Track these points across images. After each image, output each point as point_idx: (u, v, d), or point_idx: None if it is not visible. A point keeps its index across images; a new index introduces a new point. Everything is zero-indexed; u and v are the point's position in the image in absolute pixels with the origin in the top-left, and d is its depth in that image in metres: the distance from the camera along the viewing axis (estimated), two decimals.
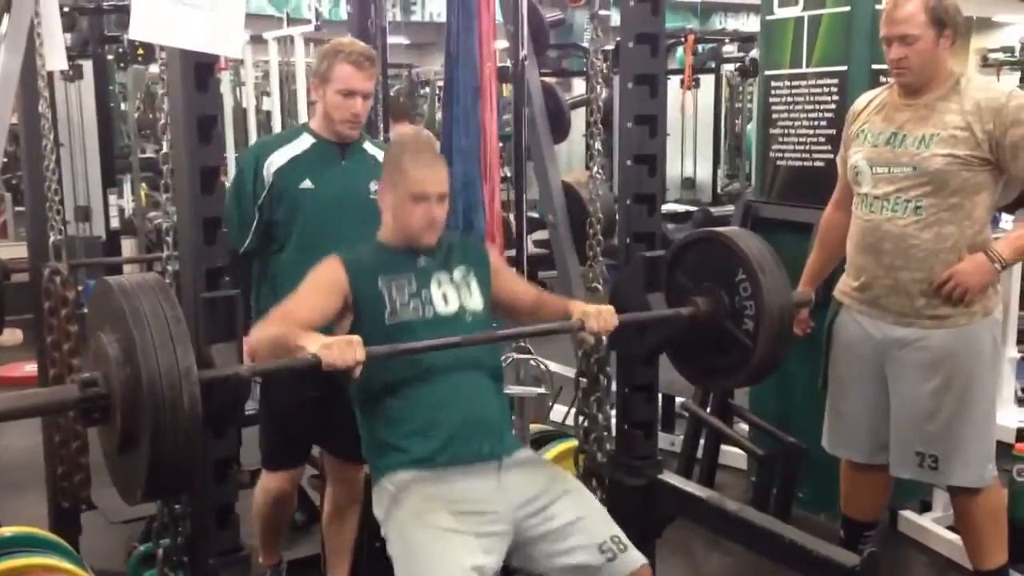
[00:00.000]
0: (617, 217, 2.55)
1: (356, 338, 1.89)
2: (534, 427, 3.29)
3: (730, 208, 5.51)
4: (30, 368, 4.49)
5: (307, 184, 2.51)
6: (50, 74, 2.90)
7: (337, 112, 2.51)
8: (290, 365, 1.90)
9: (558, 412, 4.02)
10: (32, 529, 2.48)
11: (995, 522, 2.70)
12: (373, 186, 2.47)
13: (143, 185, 7.45)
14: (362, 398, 2.13)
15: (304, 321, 1.97)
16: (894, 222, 2.56)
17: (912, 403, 2.61)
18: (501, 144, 3.74)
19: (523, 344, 3.25)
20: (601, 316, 2.19)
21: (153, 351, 1.54)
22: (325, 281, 2.10)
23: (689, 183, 9.17)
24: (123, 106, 8.69)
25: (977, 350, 2.59)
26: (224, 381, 1.78)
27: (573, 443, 2.75)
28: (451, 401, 2.08)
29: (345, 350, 1.84)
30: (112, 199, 6.43)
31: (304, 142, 2.56)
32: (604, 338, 2.37)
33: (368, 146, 2.66)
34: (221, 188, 1.94)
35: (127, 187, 7.47)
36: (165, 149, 1.95)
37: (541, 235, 6.64)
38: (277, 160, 2.51)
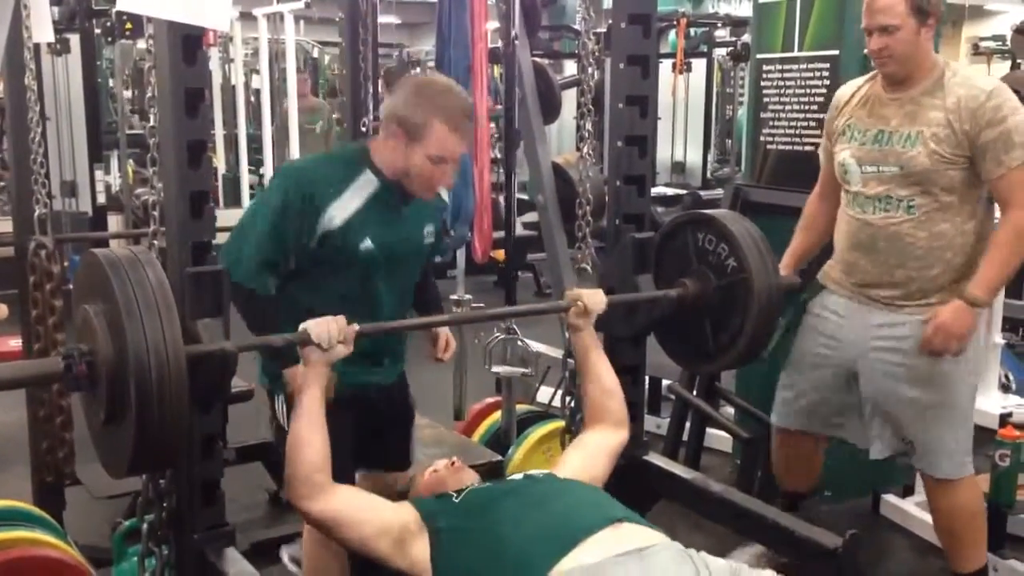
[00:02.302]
0: (607, 199, 2.55)
1: (340, 317, 1.90)
2: (520, 408, 3.31)
3: (720, 192, 5.52)
4: (15, 343, 4.46)
5: (367, 244, 2.14)
6: (37, 47, 2.88)
7: (422, 179, 2.13)
8: (280, 342, 1.91)
9: (545, 394, 4.02)
10: (16, 503, 2.47)
11: (971, 520, 2.66)
12: (428, 229, 2.29)
13: (130, 161, 7.41)
14: None
15: None
16: (887, 221, 2.54)
17: (890, 389, 2.61)
18: (492, 125, 3.74)
19: (510, 325, 3.26)
20: (591, 296, 2.21)
21: (140, 322, 1.53)
22: None
23: (679, 167, 9.20)
24: (111, 82, 8.64)
25: None
26: (210, 356, 1.77)
27: (559, 424, 2.76)
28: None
29: (331, 323, 1.87)
30: (99, 175, 6.41)
31: (367, 185, 2.15)
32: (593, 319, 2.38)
33: None
34: (208, 162, 1.92)
35: (114, 163, 7.43)
36: (152, 122, 1.93)
37: (531, 217, 6.63)
38: (339, 214, 2.11)
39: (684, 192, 5.80)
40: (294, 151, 7.34)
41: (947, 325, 2.47)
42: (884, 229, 2.55)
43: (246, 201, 8.28)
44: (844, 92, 2.72)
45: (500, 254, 5.00)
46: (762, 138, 3.59)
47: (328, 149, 7.84)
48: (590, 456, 2.17)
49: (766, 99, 3.56)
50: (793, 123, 3.47)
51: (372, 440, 2.31)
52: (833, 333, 2.70)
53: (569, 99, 6.21)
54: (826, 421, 2.79)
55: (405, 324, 2.24)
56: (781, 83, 3.51)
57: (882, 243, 2.56)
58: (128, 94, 8.22)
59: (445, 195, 2.35)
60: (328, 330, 1.87)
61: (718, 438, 3.93)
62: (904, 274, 2.55)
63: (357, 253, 2.14)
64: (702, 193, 6.31)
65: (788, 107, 3.48)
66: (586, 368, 2.28)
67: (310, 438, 1.88)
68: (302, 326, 1.88)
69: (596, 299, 2.23)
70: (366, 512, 1.89)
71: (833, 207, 2.75)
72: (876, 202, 2.56)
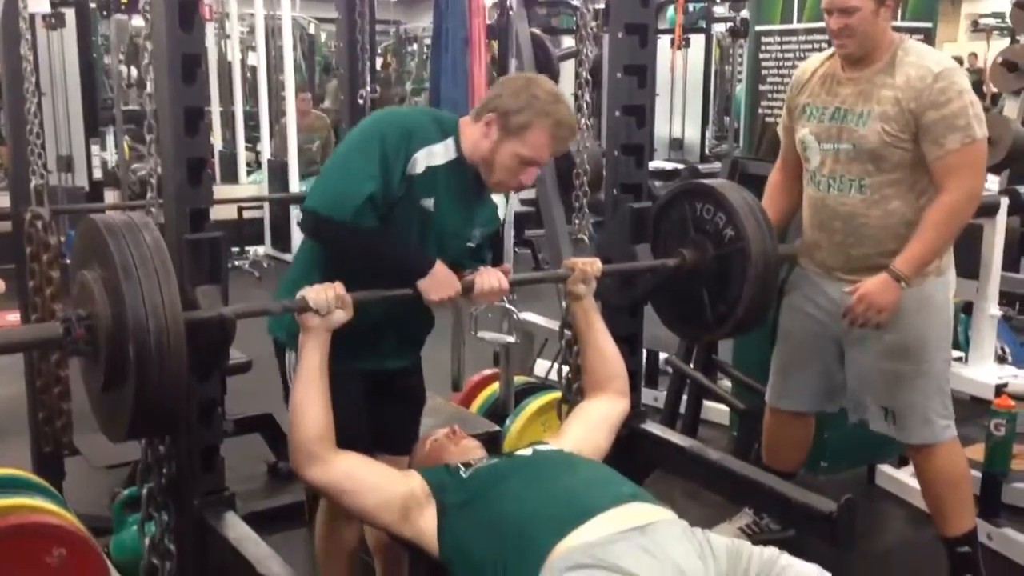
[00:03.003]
0: (604, 171, 2.55)
1: (337, 283, 1.90)
2: (518, 379, 3.32)
3: (718, 166, 5.51)
4: (13, 318, 4.46)
5: (428, 203, 2.07)
6: (32, 18, 2.87)
7: (503, 174, 2.08)
8: (278, 308, 1.93)
9: (542, 367, 4.03)
10: (16, 471, 2.48)
11: (954, 484, 2.66)
12: (477, 232, 2.22)
13: (126, 137, 7.40)
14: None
15: None
16: (841, 201, 2.55)
17: (869, 363, 2.62)
18: None
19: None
20: (588, 263, 2.22)
21: (138, 285, 1.53)
22: None
23: (677, 144, 9.18)
24: (106, 59, 8.60)
25: (929, 309, 2.58)
26: (208, 322, 1.78)
27: (556, 394, 2.76)
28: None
29: (328, 289, 1.87)
30: (95, 150, 6.39)
31: (447, 151, 2.08)
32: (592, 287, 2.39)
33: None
34: (205, 130, 1.92)
35: (110, 139, 7.42)
36: (149, 89, 1.92)
37: (528, 193, 6.64)
38: (422, 161, 2.04)
39: (682, 166, 5.80)
40: (291, 126, 7.32)
41: (871, 296, 2.47)
42: (838, 209, 2.56)
43: (243, 178, 8.27)
44: (805, 69, 2.72)
45: None
46: (760, 111, 3.59)
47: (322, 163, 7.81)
48: (593, 426, 2.17)
49: (764, 72, 3.56)
50: None
51: (383, 422, 2.27)
52: (810, 311, 2.71)
53: (567, 73, 6.19)
54: (817, 399, 2.80)
55: (399, 294, 2.22)
56: (780, 55, 3.50)
57: (838, 223, 2.57)
58: (123, 69, 8.18)
59: (501, 211, 2.28)
60: (326, 296, 1.87)
61: (715, 411, 3.94)
62: (861, 252, 2.56)
63: (416, 209, 2.06)
64: (700, 167, 6.30)
65: (787, 80, 3.46)
66: (587, 337, 2.28)
67: (309, 406, 1.89)
68: (300, 293, 1.89)
69: (594, 266, 2.24)
70: (369, 481, 1.89)
71: (793, 181, 2.75)
72: (831, 181, 2.57)
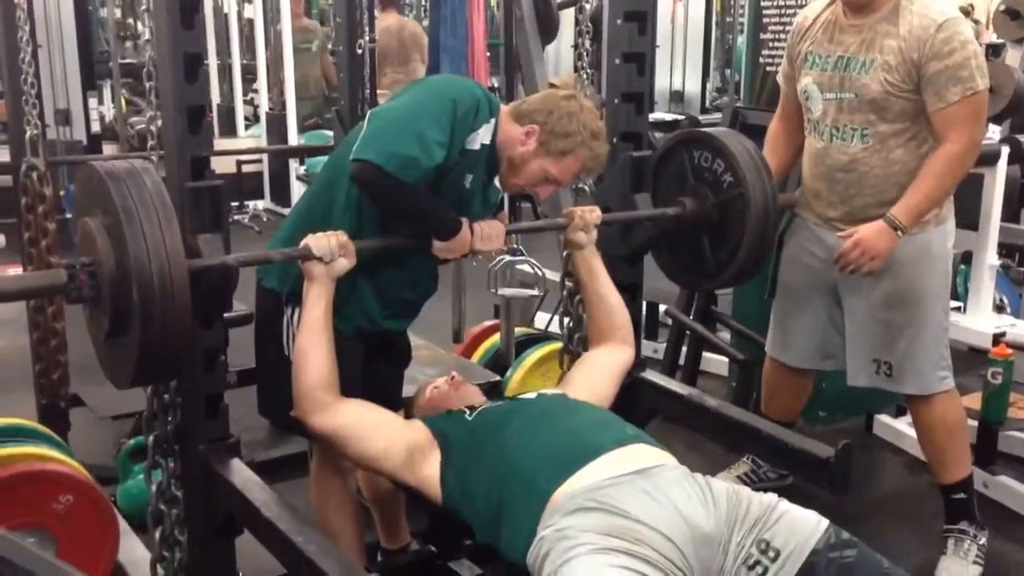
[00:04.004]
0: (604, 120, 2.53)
1: (339, 231, 1.91)
2: (518, 331, 3.33)
3: (718, 117, 5.48)
4: (13, 272, 4.48)
5: (468, 179, 2.10)
6: None
7: (527, 182, 2.14)
8: (279, 256, 1.94)
9: (542, 319, 4.05)
10: (21, 420, 2.50)
11: (951, 432, 2.68)
12: (481, 212, 2.20)
13: (124, 91, 7.35)
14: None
15: None
16: (844, 150, 2.53)
17: (865, 312, 2.62)
18: (488, 55, 3.70)
19: (516, 248, 3.27)
20: (588, 211, 2.23)
21: (140, 229, 1.53)
22: None
23: (677, 96, 9.12)
24: (102, 12, 8.51)
25: (928, 258, 2.57)
26: (211, 270, 1.79)
27: (557, 345, 2.78)
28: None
29: (331, 237, 1.88)
30: (92, 103, 6.35)
31: (485, 135, 2.08)
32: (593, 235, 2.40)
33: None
34: (204, 75, 1.91)
35: (107, 93, 7.36)
36: (147, 36, 1.91)
37: None
38: (479, 137, 2.06)
39: (682, 117, 5.77)
40: (289, 78, 7.26)
41: (865, 241, 2.47)
42: (840, 158, 2.54)
43: (241, 131, 8.22)
44: (807, 16, 2.68)
45: None
46: (761, 60, 3.57)
47: (323, 70, 7.73)
48: (597, 375, 2.18)
49: (766, 20, 3.53)
50: None
51: (374, 382, 2.23)
52: (808, 261, 2.71)
53: (567, 21, 6.11)
54: (816, 354, 2.80)
55: (403, 244, 2.22)
56: (782, 3, 3.46)
57: (839, 173, 2.56)
58: (120, 20, 8.10)
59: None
60: (329, 243, 1.88)
61: (714, 362, 3.97)
62: (862, 201, 2.55)
63: (460, 189, 2.09)
64: (701, 118, 6.27)
65: (789, 28, 3.43)
66: (589, 287, 2.29)
67: (314, 354, 1.90)
68: (303, 241, 1.89)
69: (593, 214, 2.24)
70: (373, 428, 1.91)
71: (793, 131, 2.74)
72: (834, 130, 2.55)
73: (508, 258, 3.16)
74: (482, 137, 2.06)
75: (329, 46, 7.33)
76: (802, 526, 1.64)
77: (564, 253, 2.51)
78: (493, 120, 2.08)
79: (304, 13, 8.11)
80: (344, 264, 1.91)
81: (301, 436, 2.19)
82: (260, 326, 2.20)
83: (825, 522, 1.66)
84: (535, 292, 2.95)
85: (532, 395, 2.06)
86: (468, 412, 1.98)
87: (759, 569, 1.60)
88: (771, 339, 2.91)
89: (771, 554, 1.60)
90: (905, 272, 2.56)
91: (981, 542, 2.69)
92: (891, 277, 2.56)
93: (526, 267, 3.28)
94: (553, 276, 3.32)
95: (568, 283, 2.53)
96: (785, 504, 1.69)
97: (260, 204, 7.62)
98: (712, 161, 2.32)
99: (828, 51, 2.56)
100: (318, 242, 1.88)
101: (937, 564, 2.68)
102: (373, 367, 2.23)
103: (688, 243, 2.40)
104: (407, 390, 2.41)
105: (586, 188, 2.58)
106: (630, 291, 2.54)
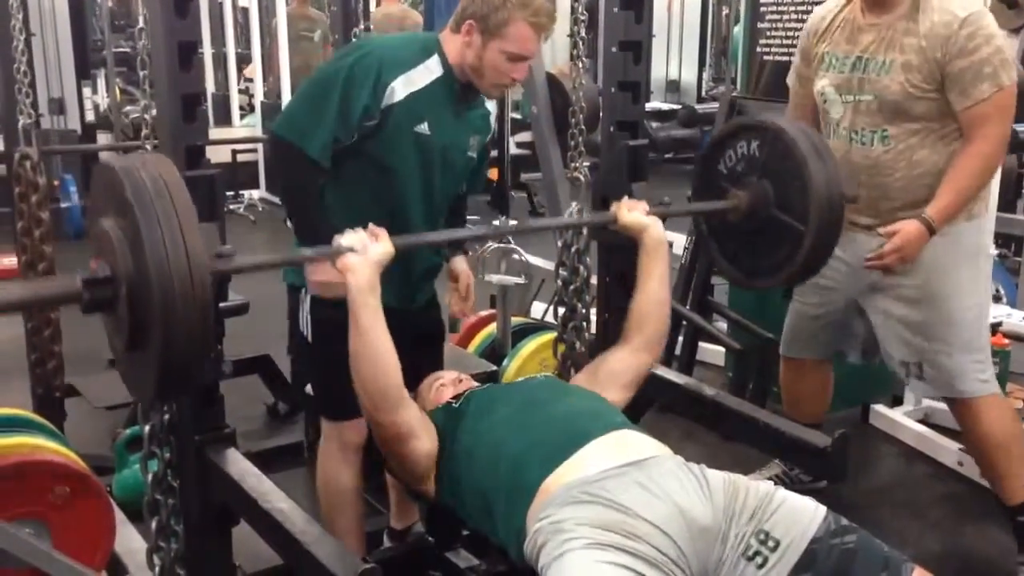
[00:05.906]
0: (601, 109, 2.52)
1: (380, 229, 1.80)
2: (515, 321, 3.33)
3: (715, 106, 5.47)
4: (8, 261, 4.46)
5: (424, 128, 2.11)
6: None
7: (495, 75, 2.11)
8: (312, 253, 1.90)
9: (538, 310, 4.05)
10: (16, 410, 2.49)
11: (1005, 447, 2.50)
12: (474, 140, 2.26)
13: (118, 80, 7.32)
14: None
15: None
16: (865, 154, 2.48)
17: (893, 312, 2.56)
18: None
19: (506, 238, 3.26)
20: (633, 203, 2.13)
21: (161, 238, 1.39)
22: None
23: (673, 86, 9.09)
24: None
25: (956, 254, 2.50)
26: (236, 272, 1.75)
27: (553, 335, 2.77)
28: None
29: (358, 230, 1.78)
30: (86, 92, 6.33)
31: (432, 70, 2.12)
32: (585, 229, 2.38)
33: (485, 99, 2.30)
34: (200, 64, 1.90)
35: (101, 82, 7.33)
36: (141, 24, 1.90)
37: (524, 137, 6.61)
38: (400, 89, 2.07)
39: (679, 107, 5.76)
40: (284, 65, 7.23)
41: (906, 248, 2.41)
42: (862, 162, 2.49)
43: (236, 120, 8.19)
44: (823, 16, 2.62)
45: (493, 173, 4.97)
46: (758, 49, 3.56)
47: (326, 59, 7.69)
48: (608, 374, 2.09)
49: (763, 8, 3.52)
50: (791, 33, 3.44)
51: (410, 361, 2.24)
52: (831, 263, 2.67)
53: (564, 8, 6.09)
54: (831, 345, 2.78)
55: (435, 238, 2.18)
56: None
57: (863, 176, 2.50)
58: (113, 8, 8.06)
59: (492, 106, 2.32)
60: (359, 235, 1.77)
61: (711, 352, 3.97)
62: (889, 205, 2.50)
63: (414, 137, 2.11)
64: (697, 107, 6.25)
65: (786, 16, 3.44)
66: (637, 280, 2.14)
67: (384, 352, 1.78)
68: (334, 240, 1.77)
69: (640, 203, 2.12)
70: (423, 424, 1.89)
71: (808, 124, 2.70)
72: (853, 133, 2.50)
73: (496, 245, 3.15)
74: (408, 86, 2.07)
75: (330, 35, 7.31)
76: (801, 514, 1.63)
77: (559, 243, 2.51)
78: (431, 57, 2.12)
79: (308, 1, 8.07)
80: (381, 250, 1.77)
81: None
82: (294, 325, 2.23)
83: (823, 509, 1.65)
84: (521, 280, 2.94)
85: (521, 379, 2.05)
86: (455, 401, 1.97)
87: (759, 560, 1.59)
88: (786, 338, 2.86)
89: (771, 544, 1.60)
90: (934, 267, 2.48)
91: None
92: (914, 274, 2.50)
93: (515, 256, 3.28)
94: (549, 266, 3.32)
95: (562, 272, 2.52)
96: (783, 492, 1.67)
97: (255, 194, 7.60)
98: (769, 152, 2.13)
99: (846, 52, 2.51)
100: (346, 236, 1.77)
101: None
102: (410, 346, 2.19)
103: (741, 238, 2.23)
104: None
105: (581, 179, 2.56)
106: (626, 279, 2.53)
